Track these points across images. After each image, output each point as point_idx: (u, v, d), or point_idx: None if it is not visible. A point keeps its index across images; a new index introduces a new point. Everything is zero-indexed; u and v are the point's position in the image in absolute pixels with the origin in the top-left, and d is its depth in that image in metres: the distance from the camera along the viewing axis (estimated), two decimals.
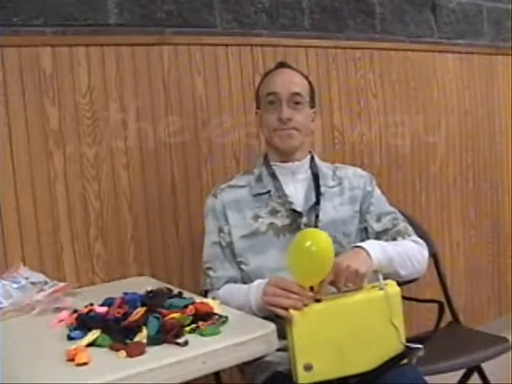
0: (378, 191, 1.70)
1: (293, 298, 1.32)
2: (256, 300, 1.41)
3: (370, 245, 1.47)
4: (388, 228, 1.61)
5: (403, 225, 1.63)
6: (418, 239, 1.61)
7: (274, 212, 1.58)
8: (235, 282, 1.57)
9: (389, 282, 1.39)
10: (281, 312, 1.32)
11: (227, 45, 2.10)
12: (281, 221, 1.57)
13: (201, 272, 1.64)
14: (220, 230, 1.61)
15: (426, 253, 1.60)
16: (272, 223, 1.57)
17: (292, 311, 1.31)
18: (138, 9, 1.92)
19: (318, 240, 1.36)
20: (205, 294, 1.57)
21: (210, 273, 1.59)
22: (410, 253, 1.53)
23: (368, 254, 1.43)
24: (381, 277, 1.38)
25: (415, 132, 2.67)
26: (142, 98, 1.91)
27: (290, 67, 1.69)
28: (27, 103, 1.71)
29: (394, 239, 1.58)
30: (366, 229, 1.63)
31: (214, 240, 1.61)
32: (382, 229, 1.61)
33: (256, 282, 1.47)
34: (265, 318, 1.32)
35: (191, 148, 2.01)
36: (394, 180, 2.59)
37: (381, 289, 1.36)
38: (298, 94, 1.60)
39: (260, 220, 1.58)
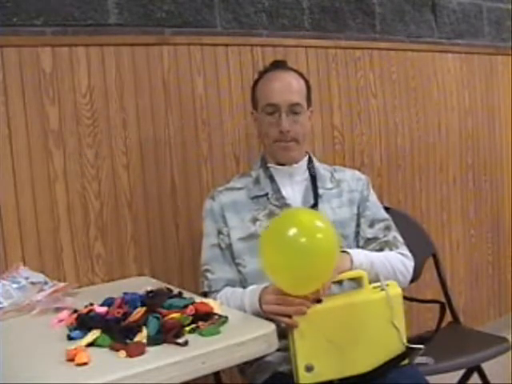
0: (373, 196, 1.70)
1: (295, 303, 1.31)
2: (250, 306, 1.41)
3: (353, 250, 1.49)
4: (378, 237, 1.61)
5: (393, 235, 1.63)
6: (406, 252, 1.61)
7: (271, 215, 1.58)
8: (234, 284, 1.57)
9: (390, 282, 1.39)
10: (285, 320, 1.31)
11: (227, 45, 2.10)
12: None
13: (200, 273, 1.64)
14: (219, 232, 1.60)
15: (410, 266, 1.59)
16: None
17: (295, 316, 1.31)
18: (137, 9, 1.92)
19: (309, 226, 1.20)
20: (204, 296, 1.57)
21: (208, 275, 1.58)
22: (394, 263, 1.54)
23: (350, 255, 1.45)
24: (382, 277, 1.38)
25: (415, 132, 2.67)
26: (141, 98, 1.91)
27: (286, 67, 1.68)
28: (27, 103, 1.71)
29: (382, 249, 1.59)
30: (358, 233, 1.63)
31: (213, 242, 1.60)
32: (373, 236, 1.61)
33: (250, 288, 1.47)
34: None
35: (191, 148, 2.01)
36: (394, 180, 2.58)
37: (382, 290, 1.36)
38: (297, 104, 1.59)
39: (258, 223, 1.58)
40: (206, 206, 1.65)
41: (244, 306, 1.42)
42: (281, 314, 1.32)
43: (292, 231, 1.15)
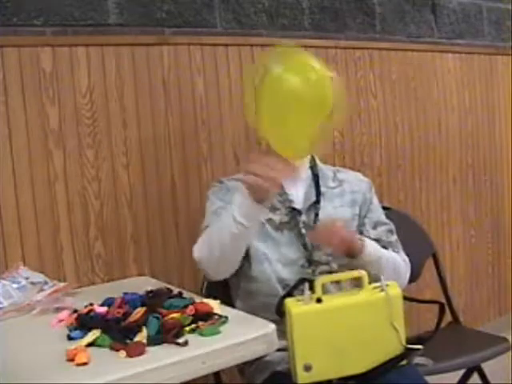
0: (375, 199, 1.71)
1: (277, 168, 1.27)
2: (240, 202, 1.38)
3: (367, 240, 1.53)
4: (381, 238, 1.62)
5: (395, 238, 1.66)
6: (405, 257, 1.64)
7: (273, 209, 1.58)
8: None
9: (390, 283, 1.39)
10: (267, 183, 1.28)
11: (227, 45, 2.10)
12: (279, 218, 1.57)
13: (201, 272, 1.63)
14: (229, 204, 1.59)
15: (408, 272, 1.63)
16: (270, 219, 1.57)
17: (293, 310, 1.31)
18: (138, 9, 1.92)
19: (297, 62, 1.16)
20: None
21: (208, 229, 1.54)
22: (396, 264, 1.58)
23: (363, 242, 1.49)
24: (382, 277, 1.38)
25: (415, 132, 2.68)
26: (141, 98, 1.91)
27: None
28: (27, 103, 1.71)
29: (385, 248, 1.60)
30: (361, 233, 1.63)
31: (220, 205, 1.57)
32: (376, 237, 1.62)
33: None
34: (266, 318, 1.31)
35: (191, 148, 2.02)
36: (393, 180, 2.59)
37: (382, 290, 1.36)
38: None
39: None
40: (213, 188, 1.65)
41: (233, 213, 1.38)
42: (264, 177, 1.28)
43: (277, 69, 1.12)
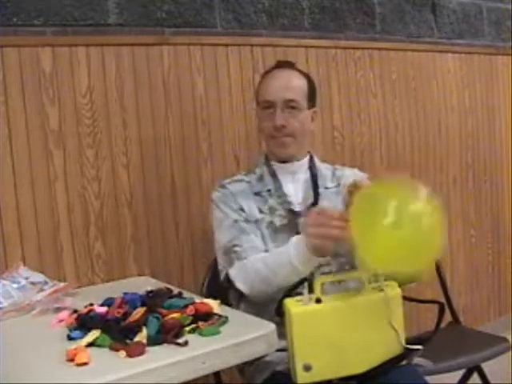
0: None
1: (337, 226, 1.30)
2: (297, 248, 1.40)
3: None
4: None
5: None
6: None
7: (272, 210, 1.59)
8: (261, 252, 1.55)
9: (389, 283, 1.39)
10: (329, 241, 1.32)
11: (227, 45, 2.10)
12: (279, 220, 1.58)
13: (201, 272, 1.63)
14: (240, 209, 1.59)
15: None
16: (271, 222, 1.58)
17: (292, 310, 1.31)
18: (137, 9, 1.92)
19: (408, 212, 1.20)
20: (228, 282, 1.54)
21: (237, 249, 1.54)
22: None
23: None
24: (382, 278, 1.38)
25: (415, 132, 2.68)
26: (141, 98, 1.91)
27: (289, 67, 1.69)
28: (27, 103, 1.71)
29: None
30: None
31: (235, 218, 1.58)
32: None
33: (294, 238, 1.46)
34: (264, 318, 1.31)
35: (191, 148, 2.02)
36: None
37: (381, 290, 1.36)
38: (292, 100, 1.60)
39: (261, 215, 1.59)
40: (217, 194, 1.64)
41: (289, 256, 1.41)
42: (323, 236, 1.32)
43: (387, 220, 1.14)
